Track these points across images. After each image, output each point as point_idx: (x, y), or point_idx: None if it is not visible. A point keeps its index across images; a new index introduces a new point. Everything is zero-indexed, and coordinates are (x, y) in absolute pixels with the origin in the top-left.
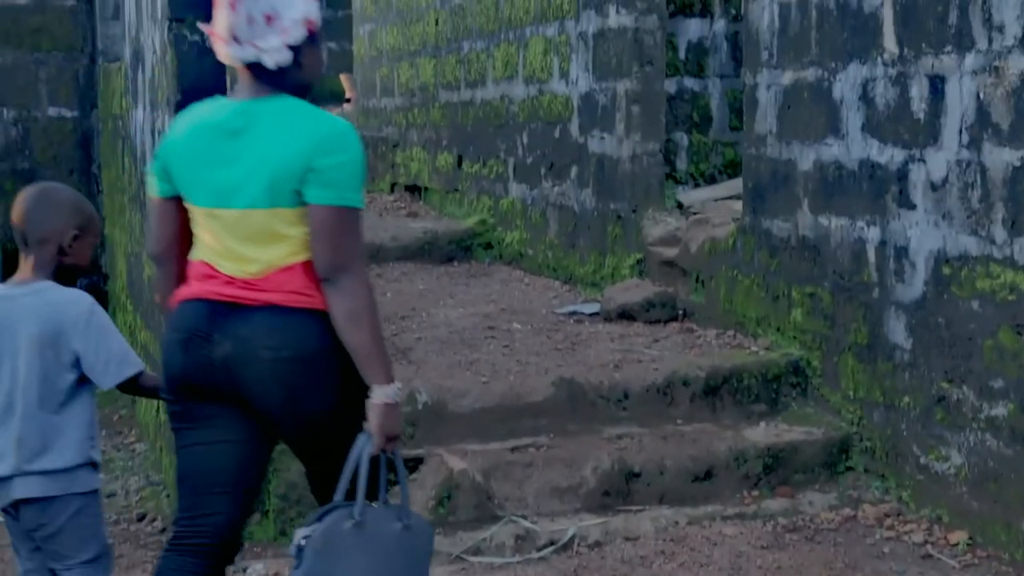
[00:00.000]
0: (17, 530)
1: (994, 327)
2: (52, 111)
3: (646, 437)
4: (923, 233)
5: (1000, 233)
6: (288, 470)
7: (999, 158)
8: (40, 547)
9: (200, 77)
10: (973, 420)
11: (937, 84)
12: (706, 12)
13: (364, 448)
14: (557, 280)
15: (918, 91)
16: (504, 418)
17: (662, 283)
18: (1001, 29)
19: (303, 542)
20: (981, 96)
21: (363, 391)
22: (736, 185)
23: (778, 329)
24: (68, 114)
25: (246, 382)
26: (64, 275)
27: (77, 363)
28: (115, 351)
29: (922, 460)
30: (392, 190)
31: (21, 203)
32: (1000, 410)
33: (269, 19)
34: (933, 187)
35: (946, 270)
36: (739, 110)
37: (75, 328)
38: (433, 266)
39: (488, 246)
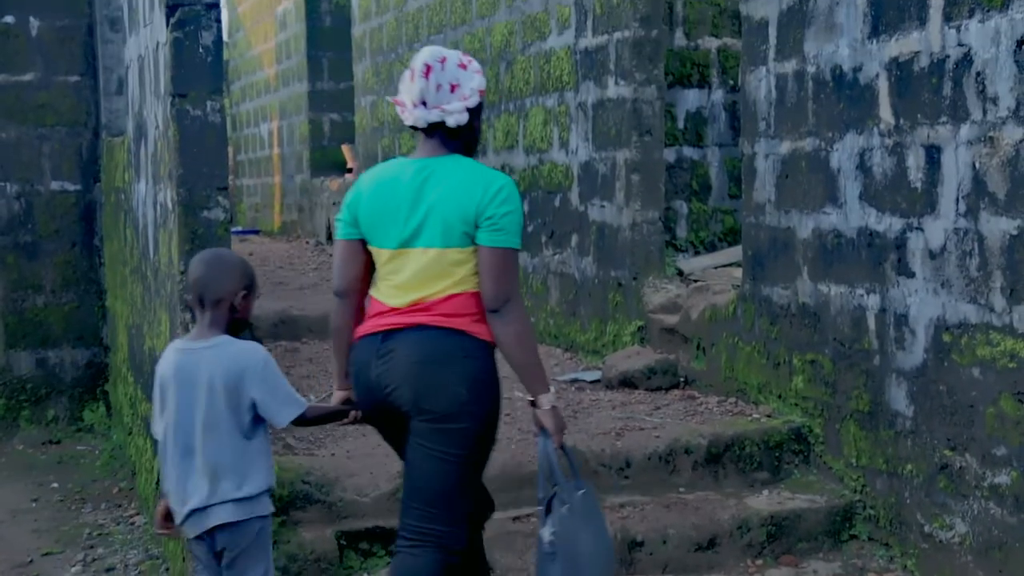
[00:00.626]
0: (205, 555)
1: (995, 394)
2: (55, 185)
3: (648, 506)
4: (922, 301)
5: (999, 301)
6: (288, 542)
7: (996, 227)
8: (224, 569)
9: (202, 151)
10: (976, 488)
11: (933, 154)
12: (704, 83)
13: (547, 446)
14: (559, 347)
15: (915, 161)
16: (506, 487)
17: (663, 350)
18: (995, 100)
19: (552, 538)
20: (977, 166)
21: (486, 408)
22: (736, 252)
23: (779, 396)
24: (71, 187)
25: (391, 388)
26: (233, 329)
27: (253, 406)
28: (286, 395)
29: (926, 528)
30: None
31: (198, 268)
32: (1003, 478)
33: (453, 87)
34: (931, 255)
35: (946, 337)
36: (738, 178)
37: (253, 377)
38: None
39: None
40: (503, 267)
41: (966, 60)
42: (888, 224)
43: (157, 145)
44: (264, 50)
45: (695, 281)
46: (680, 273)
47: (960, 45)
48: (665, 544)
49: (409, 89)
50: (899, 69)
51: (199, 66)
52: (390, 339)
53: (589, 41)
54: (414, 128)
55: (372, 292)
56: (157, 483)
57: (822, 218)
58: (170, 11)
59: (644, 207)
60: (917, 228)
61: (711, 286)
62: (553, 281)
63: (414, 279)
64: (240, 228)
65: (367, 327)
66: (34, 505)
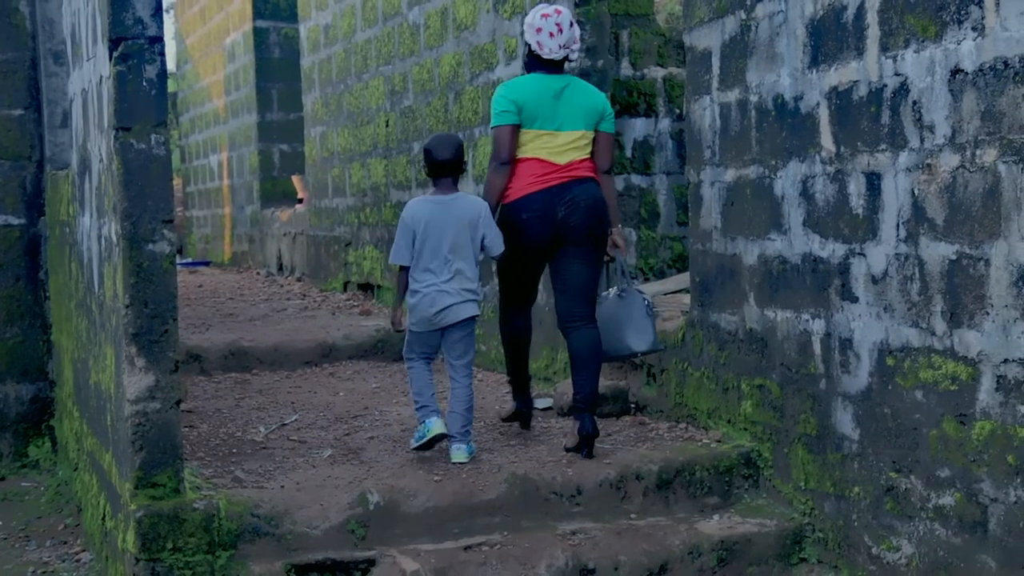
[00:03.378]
0: (434, 338)
1: (938, 417)
2: None
3: (600, 532)
4: (866, 325)
5: (940, 325)
6: None
7: (936, 252)
8: (449, 349)
9: (146, 184)
10: (922, 510)
11: (874, 181)
12: (651, 112)
13: (620, 258)
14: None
15: (856, 188)
16: (457, 516)
17: (614, 377)
18: (932, 128)
19: (625, 295)
20: (916, 192)
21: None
22: (685, 279)
23: (729, 421)
24: (15, 221)
25: (570, 221)
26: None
27: (482, 240)
28: (499, 237)
29: (874, 550)
30: (345, 288)
31: (450, 146)
32: (947, 499)
33: (576, 39)
34: (874, 280)
35: (890, 361)
36: (686, 205)
37: (481, 221)
38: (386, 364)
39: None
40: (611, 144)
41: (903, 89)
42: (831, 250)
43: (101, 178)
44: (213, 81)
45: None
46: None
47: (897, 75)
48: (617, 571)
49: (559, 37)
50: (839, 98)
51: (143, 99)
52: (569, 187)
53: None
54: (545, 60)
55: (530, 155)
56: (103, 519)
57: (767, 244)
58: (113, 45)
59: None
60: (859, 254)
61: (661, 313)
62: None
63: (570, 148)
64: (190, 259)
65: (538, 183)
66: None
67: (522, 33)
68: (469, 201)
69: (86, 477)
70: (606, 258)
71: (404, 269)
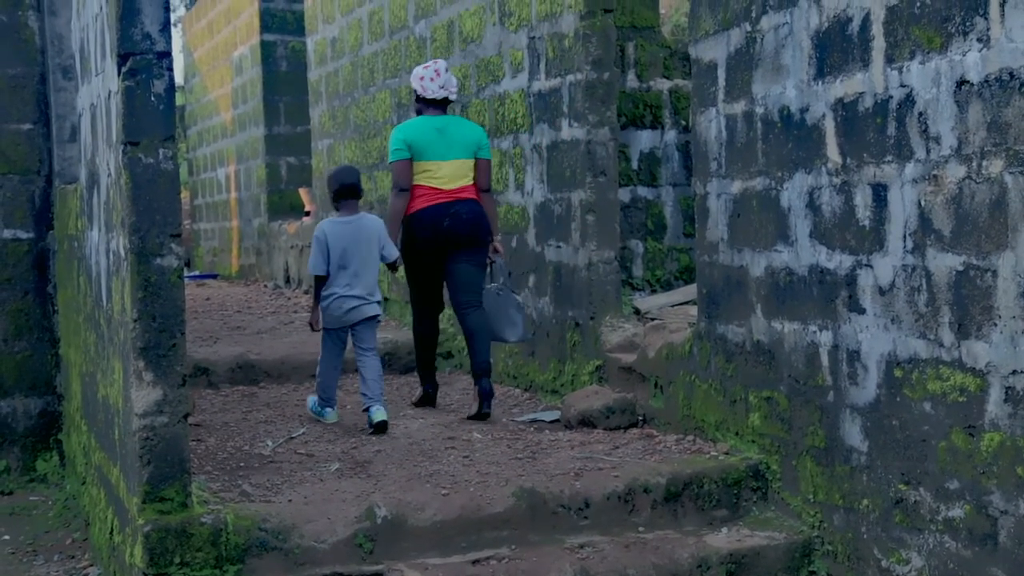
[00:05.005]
0: (343, 334)
1: (947, 428)
2: (7, 233)
3: (608, 546)
4: (873, 336)
5: (948, 336)
6: None
7: (943, 263)
8: (358, 341)
9: (154, 199)
10: (931, 522)
11: (880, 192)
12: (657, 124)
13: (499, 262)
14: (517, 388)
15: (862, 199)
16: (465, 530)
17: (622, 389)
18: (938, 140)
19: (501, 292)
20: (922, 203)
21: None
22: (692, 290)
23: (737, 433)
24: (24, 235)
25: (462, 237)
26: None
27: (381, 251)
28: (392, 247)
29: (883, 563)
30: None
31: (351, 175)
32: (957, 511)
33: (453, 84)
34: (881, 291)
35: (898, 373)
36: (692, 217)
37: (379, 236)
38: (393, 377)
39: (448, 355)
40: (488, 168)
41: (909, 100)
42: (838, 261)
43: (109, 193)
44: (221, 95)
45: (652, 320)
46: (637, 312)
47: (902, 86)
48: None
49: (438, 80)
50: (844, 109)
51: (151, 114)
52: (453, 206)
53: (542, 84)
54: (430, 100)
55: (423, 182)
56: (111, 533)
57: (774, 256)
58: (122, 60)
59: (600, 247)
60: (866, 265)
61: (668, 324)
62: None
63: (454, 175)
64: (198, 272)
65: (428, 201)
66: None
67: (439, 84)
68: (370, 220)
69: (94, 491)
70: (488, 261)
71: (320, 279)
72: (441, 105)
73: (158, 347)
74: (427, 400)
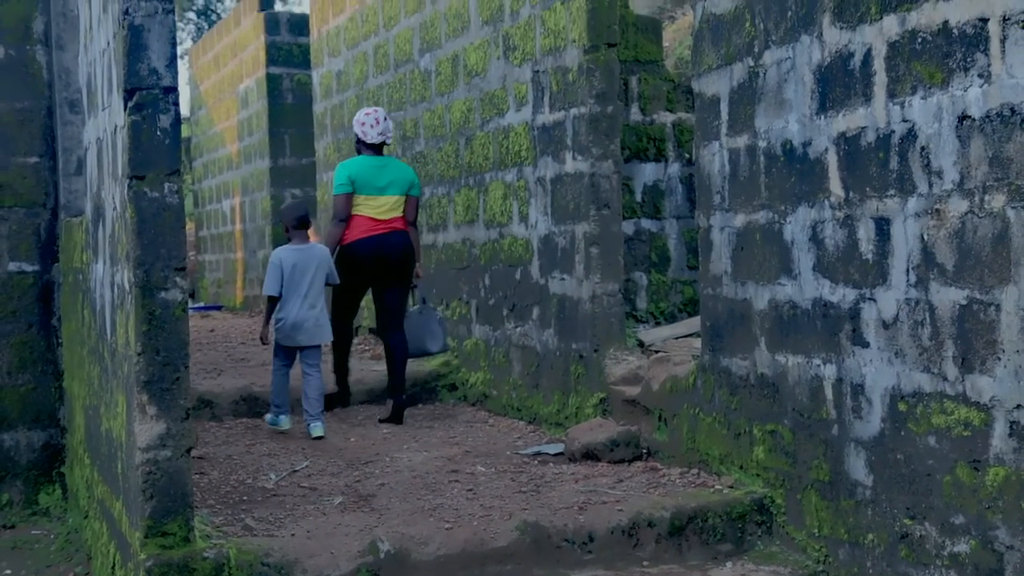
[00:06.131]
0: (292, 353)
1: (952, 463)
2: (12, 266)
3: None
4: (877, 370)
5: (951, 370)
6: None
7: (946, 297)
8: (304, 359)
9: (159, 233)
10: (937, 557)
11: (883, 226)
12: (660, 156)
13: (420, 286)
14: (521, 420)
15: (865, 233)
16: (468, 565)
17: (626, 422)
18: (940, 174)
19: (423, 310)
20: (925, 237)
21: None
22: (696, 323)
23: (741, 467)
24: (29, 268)
25: (393, 262)
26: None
27: (327, 277)
28: (335, 272)
29: None
30: (356, 333)
31: (302, 209)
32: (962, 547)
33: (390, 129)
34: (885, 325)
35: (902, 407)
36: (696, 249)
37: (326, 262)
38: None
39: (452, 387)
40: (416, 205)
41: (911, 135)
42: (842, 295)
43: (115, 226)
44: (226, 127)
45: (656, 352)
46: (641, 344)
47: (904, 121)
48: None
49: (377, 127)
50: (847, 144)
51: (157, 148)
52: (387, 237)
53: (546, 117)
54: (368, 143)
55: (361, 213)
56: (113, 568)
57: (777, 289)
58: (128, 95)
59: (604, 279)
60: (870, 299)
61: (672, 357)
62: (515, 354)
63: (389, 208)
64: (202, 304)
65: (365, 232)
66: None
67: (378, 128)
68: (319, 249)
69: (96, 525)
70: (412, 284)
71: (272, 299)
72: (379, 148)
73: (162, 381)
74: (340, 398)
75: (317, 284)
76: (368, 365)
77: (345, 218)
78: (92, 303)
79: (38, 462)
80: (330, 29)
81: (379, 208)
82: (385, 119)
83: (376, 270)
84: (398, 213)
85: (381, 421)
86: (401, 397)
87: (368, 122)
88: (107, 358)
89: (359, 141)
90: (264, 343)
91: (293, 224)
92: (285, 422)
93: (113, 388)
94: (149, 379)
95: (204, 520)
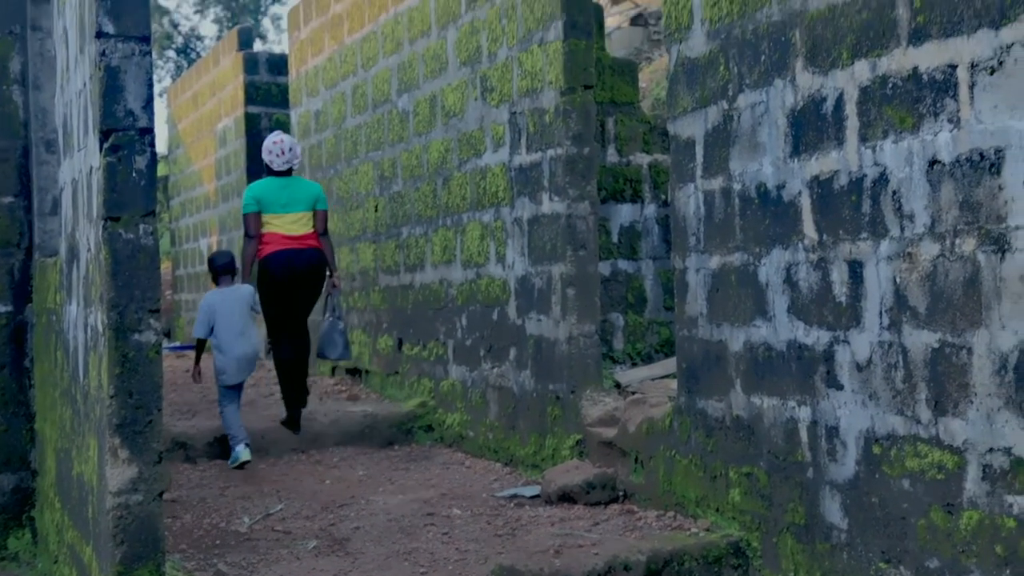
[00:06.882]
0: (239, 387)
1: (926, 506)
2: None
3: None
4: (852, 413)
5: (925, 413)
6: None
7: (919, 340)
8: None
9: (134, 274)
10: None
11: (856, 269)
12: (637, 198)
13: (336, 296)
14: (498, 462)
15: (839, 275)
16: None
17: (602, 464)
18: (911, 218)
19: (331, 319)
20: (898, 280)
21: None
22: (672, 364)
23: (717, 509)
24: (2, 308)
25: (303, 274)
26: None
27: (253, 310)
28: (259, 303)
29: None
30: (333, 373)
31: (227, 256)
32: None
33: (296, 155)
34: (858, 367)
35: (876, 449)
36: (672, 290)
37: (251, 299)
38: (373, 450)
39: (429, 428)
40: (325, 217)
41: (883, 179)
42: (816, 337)
43: (89, 267)
44: (204, 166)
45: (633, 393)
46: (618, 385)
47: (876, 164)
48: None
49: (283, 157)
50: (820, 187)
51: (132, 190)
52: (300, 252)
53: (523, 158)
54: (275, 171)
55: (271, 231)
56: None
57: (752, 331)
58: (104, 136)
59: (580, 320)
60: (844, 341)
61: (648, 398)
62: (492, 395)
63: (297, 224)
64: (178, 343)
65: (278, 247)
66: None
67: (295, 151)
68: (244, 289)
69: (66, 571)
70: (327, 292)
71: (201, 341)
72: (286, 172)
73: (134, 424)
74: (291, 422)
75: (246, 321)
76: (344, 406)
77: (254, 235)
78: (65, 344)
79: (8, 505)
80: (309, 69)
81: (286, 224)
82: (291, 148)
83: (290, 282)
84: (307, 228)
85: (282, 423)
86: (297, 415)
87: (275, 151)
88: (79, 400)
89: (267, 167)
90: (195, 382)
91: (220, 270)
92: (244, 452)
93: (85, 431)
94: (121, 422)
95: (176, 565)
